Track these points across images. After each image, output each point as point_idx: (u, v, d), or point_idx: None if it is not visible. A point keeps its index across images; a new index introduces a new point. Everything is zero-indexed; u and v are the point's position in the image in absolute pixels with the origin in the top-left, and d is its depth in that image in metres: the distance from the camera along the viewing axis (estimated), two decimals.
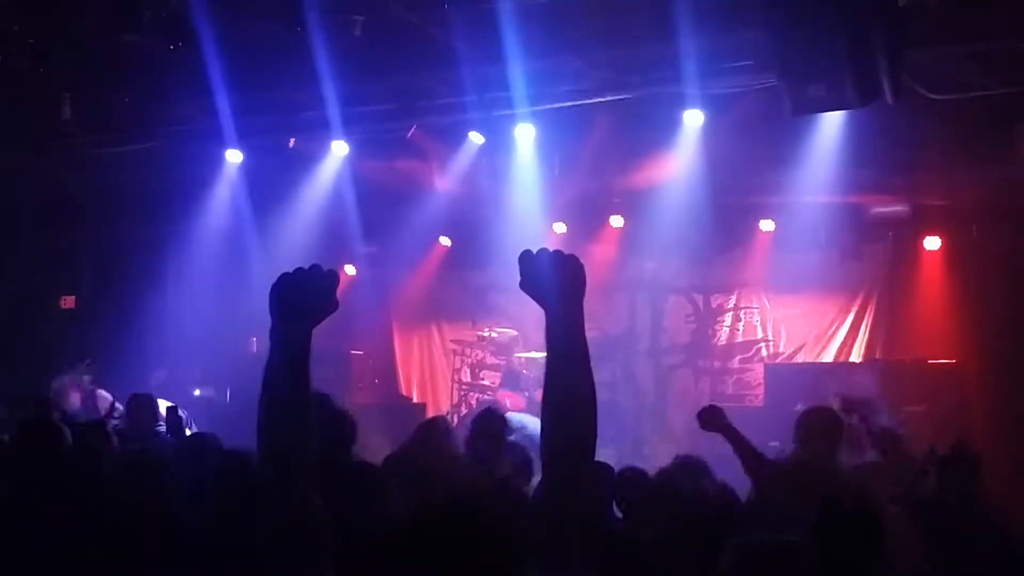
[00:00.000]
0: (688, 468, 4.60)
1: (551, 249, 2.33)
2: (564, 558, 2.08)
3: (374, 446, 6.42)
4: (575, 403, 2.20)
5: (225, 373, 10.15)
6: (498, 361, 11.24)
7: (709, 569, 2.78)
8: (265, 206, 10.50)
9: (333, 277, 2.28)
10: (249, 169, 10.26)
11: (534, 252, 2.32)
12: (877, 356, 10.36)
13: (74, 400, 8.46)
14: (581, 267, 2.31)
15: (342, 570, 2.16)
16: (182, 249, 10.55)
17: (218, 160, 10.14)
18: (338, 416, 4.42)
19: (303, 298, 2.23)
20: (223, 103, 8.81)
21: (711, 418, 4.92)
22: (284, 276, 2.25)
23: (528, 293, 2.32)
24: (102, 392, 8.24)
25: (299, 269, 2.28)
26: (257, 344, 11.52)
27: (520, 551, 1.89)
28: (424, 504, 1.96)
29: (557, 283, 2.25)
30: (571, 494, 2.19)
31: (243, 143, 9.84)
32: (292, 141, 10.09)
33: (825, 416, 5.30)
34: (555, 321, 2.25)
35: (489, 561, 1.84)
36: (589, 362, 2.28)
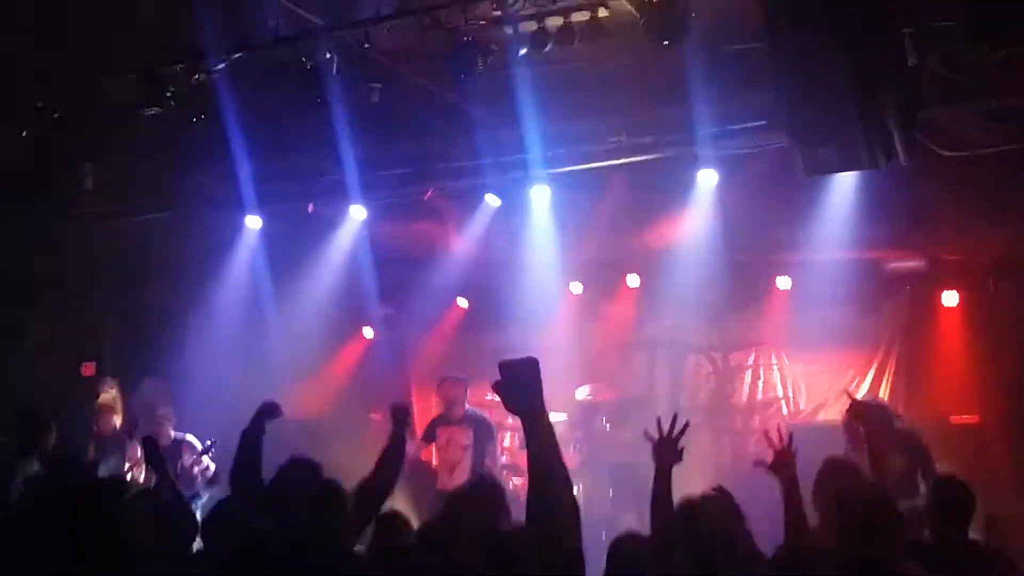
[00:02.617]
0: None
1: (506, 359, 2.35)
2: None
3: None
4: (555, 516, 2.20)
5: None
6: (515, 423, 11.16)
7: None
8: (284, 270, 10.59)
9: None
10: (268, 234, 10.37)
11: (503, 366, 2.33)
12: (899, 413, 10.28)
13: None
14: (527, 368, 2.31)
15: None
16: (202, 314, 10.62)
17: (238, 226, 10.25)
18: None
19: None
20: (243, 170, 8.96)
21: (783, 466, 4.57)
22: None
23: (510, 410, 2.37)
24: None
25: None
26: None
27: None
28: None
29: (514, 393, 2.29)
30: None
31: (263, 209, 9.96)
32: (311, 206, 10.21)
33: (845, 477, 5.18)
34: (525, 432, 2.29)
35: None
36: (564, 471, 2.29)
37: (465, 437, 9.04)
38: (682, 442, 4.57)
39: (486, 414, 9.41)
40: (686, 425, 4.56)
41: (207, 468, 8.84)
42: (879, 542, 4.02)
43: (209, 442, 8.88)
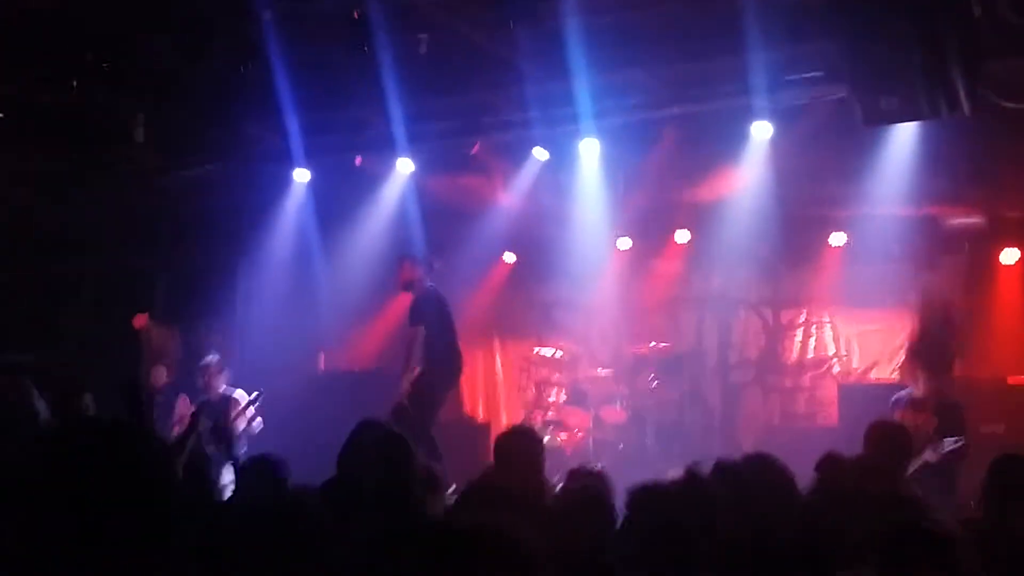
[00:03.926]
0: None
1: None
2: None
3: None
4: None
5: (292, 389, 10.25)
6: (562, 378, 11.17)
7: None
8: (332, 224, 10.60)
9: None
10: (316, 187, 10.37)
11: None
12: (955, 373, 10.09)
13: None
14: None
15: None
16: (252, 267, 10.68)
17: (286, 179, 10.27)
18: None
19: None
20: (291, 123, 8.93)
21: None
22: None
23: None
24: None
25: None
26: (324, 360, 11.65)
27: None
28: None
29: None
30: None
31: (311, 162, 9.95)
32: (359, 159, 10.19)
33: (893, 431, 5.10)
34: None
35: None
36: None
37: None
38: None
39: (438, 292, 8.54)
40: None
41: (255, 419, 8.86)
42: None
43: (256, 393, 8.89)
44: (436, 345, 8.34)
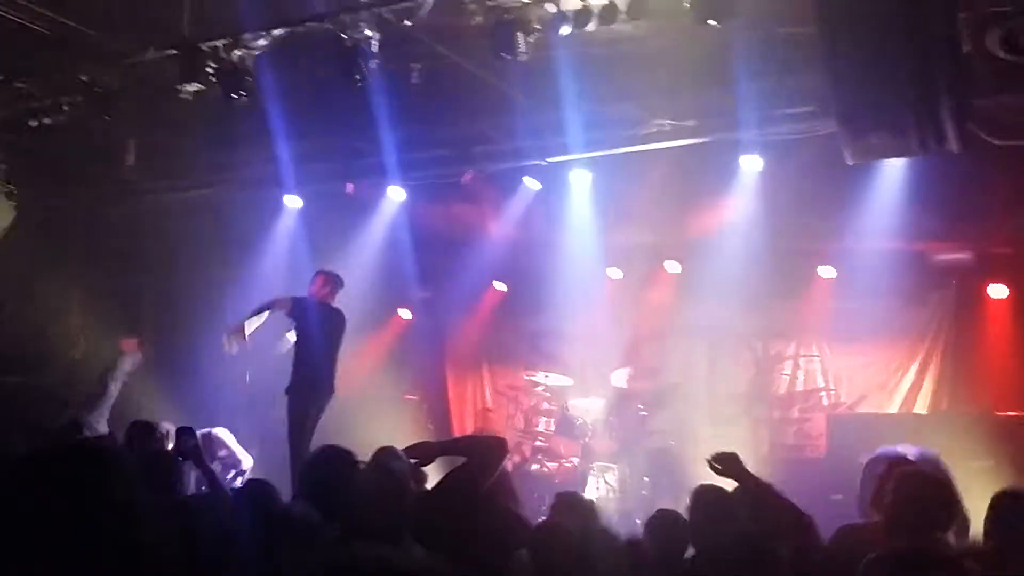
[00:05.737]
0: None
1: None
2: None
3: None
4: None
5: (282, 417, 10.18)
6: (552, 408, 11.13)
7: None
8: (323, 251, 10.57)
9: None
10: (307, 215, 10.36)
11: None
12: (944, 407, 10.09)
13: None
14: None
15: None
16: (241, 293, 10.64)
17: (277, 206, 10.25)
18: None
19: None
20: (283, 150, 8.95)
21: (725, 464, 4.61)
22: None
23: None
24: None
25: None
26: None
27: None
28: None
29: None
30: None
31: (302, 189, 9.96)
32: (350, 187, 10.20)
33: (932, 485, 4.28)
34: None
35: None
36: None
37: None
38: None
39: (339, 315, 8.80)
40: None
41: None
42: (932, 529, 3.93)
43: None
44: (305, 364, 8.36)
